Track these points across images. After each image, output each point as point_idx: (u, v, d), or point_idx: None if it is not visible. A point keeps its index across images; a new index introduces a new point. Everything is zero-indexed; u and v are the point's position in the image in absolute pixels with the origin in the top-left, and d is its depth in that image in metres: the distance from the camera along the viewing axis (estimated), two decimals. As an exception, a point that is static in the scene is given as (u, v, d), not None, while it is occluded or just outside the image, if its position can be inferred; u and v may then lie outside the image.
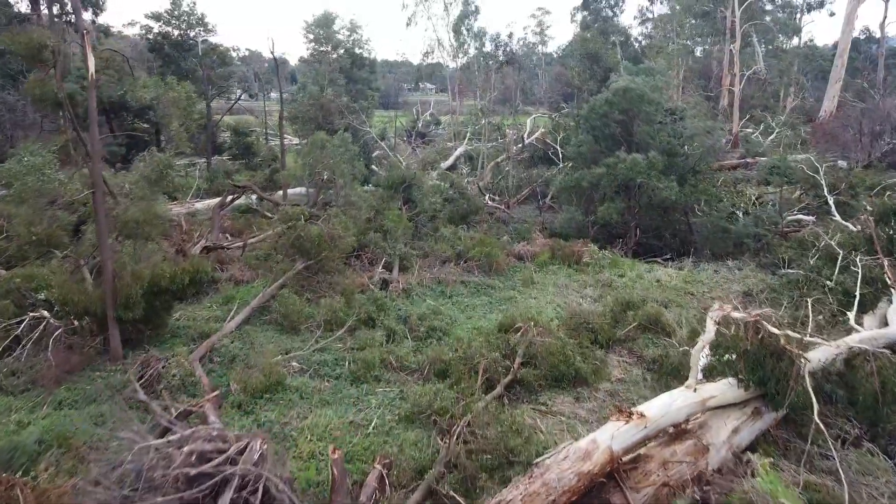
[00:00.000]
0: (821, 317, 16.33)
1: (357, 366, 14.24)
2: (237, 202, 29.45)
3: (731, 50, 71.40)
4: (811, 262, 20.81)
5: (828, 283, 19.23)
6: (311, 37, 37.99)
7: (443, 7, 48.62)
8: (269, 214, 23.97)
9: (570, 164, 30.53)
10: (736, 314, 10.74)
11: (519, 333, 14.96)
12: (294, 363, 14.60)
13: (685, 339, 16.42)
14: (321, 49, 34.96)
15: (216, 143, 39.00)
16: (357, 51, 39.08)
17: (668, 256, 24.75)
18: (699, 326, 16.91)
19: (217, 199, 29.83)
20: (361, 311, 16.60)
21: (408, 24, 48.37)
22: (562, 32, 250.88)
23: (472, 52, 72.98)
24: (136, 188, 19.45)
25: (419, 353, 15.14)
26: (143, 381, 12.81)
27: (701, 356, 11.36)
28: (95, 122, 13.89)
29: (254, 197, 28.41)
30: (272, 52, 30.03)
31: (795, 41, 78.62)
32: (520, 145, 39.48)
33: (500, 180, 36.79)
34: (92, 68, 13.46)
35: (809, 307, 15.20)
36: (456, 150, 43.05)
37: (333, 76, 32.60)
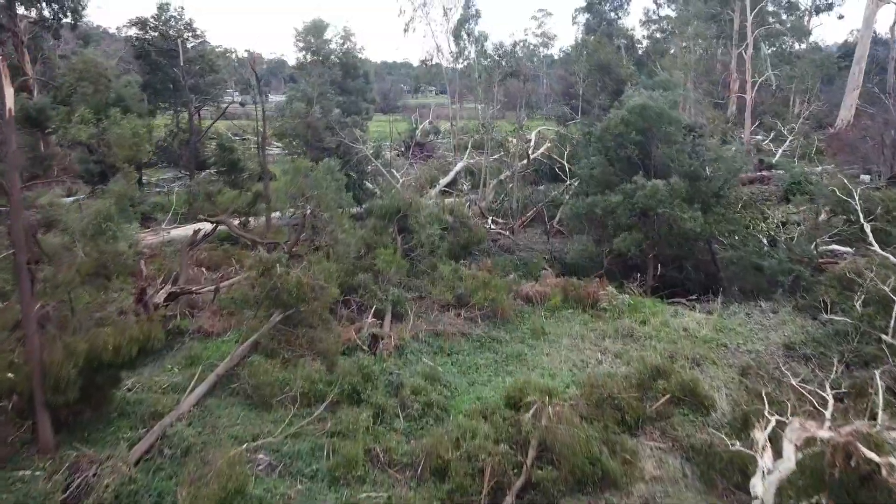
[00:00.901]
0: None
1: (337, 460, 11.72)
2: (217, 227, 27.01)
3: (742, 54, 69.00)
4: (859, 308, 18.29)
5: (883, 336, 16.76)
6: (302, 45, 35.48)
7: (442, 12, 46.06)
8: (256, 240, 21.45)
9: (581, 185, 28.01)
10: (822, 432, 8.23)
11: (531, 412, 12.48)
12: (261, 455, 12.08)
13: (726, 413, 13.94)
14: (312, 58, 32.41)
15: (200, 157, 36.49)
16: (351, 59, 36.59)
17: (693, 297, 22.20)
18: (741, 396, 14.45)
19: (192, 228, 27.39)
20: (345, 382, 14.07)
21: (405, 31, 45.80)
22: (563, 35, 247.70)
23: (472, 55, 70.60)
24: (92, 226, 17.04)
25: (412, 439, 12.64)
26: (69, 494, 10.32)
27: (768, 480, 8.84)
28: (15, 170, 11.35)
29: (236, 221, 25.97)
30: (252, 66, 27.59)
31: (801, 45, 76.29)
32: (524, 161, 36.97)
33: (504, 200, 34.30)
34: (10, 103, 10.94)
35: (878, 382, 12.64)
36: (456, 164, 40.52)
37: (323, 89, 30.09)
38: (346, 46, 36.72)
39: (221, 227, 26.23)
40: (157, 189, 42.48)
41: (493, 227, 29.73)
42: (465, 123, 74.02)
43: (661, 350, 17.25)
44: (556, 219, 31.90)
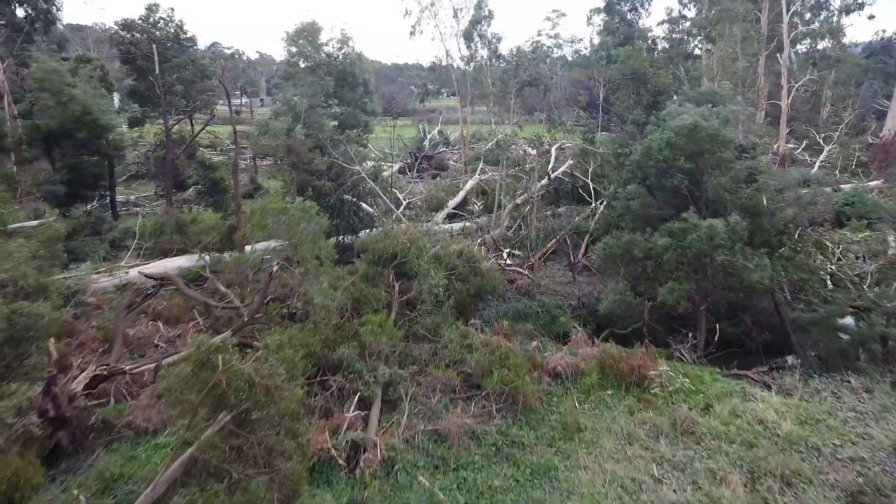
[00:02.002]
0: None
1: None
2: (189, 257, 23.08)
3: (770, 57, 64.48)
4: None
5: None
6: (295, 50, 31.43)
7: (452, 13, 41.92)
8: (209, 303, 17.34)
9: (614, 215, 23.78)
10: None
11: None
12: None
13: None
14: (304, 64, 28.27)
15: (179, 176, 32.52)
16: (349, 66, 32.51)
17: (763, 369, 17.84)
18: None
19: (159, 265, 23.54)
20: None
21: (412, 34, 41.69)
22: (578, 35, 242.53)
23: (483, 57, 66.45)
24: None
25: None
26: None
27: None
28: None
29: (207, 257, 21.92)
30: (222, 81, 23.61)
31: (828, 46, 71.66)
32: (544, 181, 32.75)
33: (521, 227, 30.10)
34: None
35: None
36: (466, 182, 36.34)
37: (314, 101, 26.00)
38: (343, 51, 32.63)
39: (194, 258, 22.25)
40: (137, 209, 38.68)
41: (508, 261, 25.51)
42: (476, 129, 69.94)
43: (736, 459, 12.98)
44: (582, 250, 27.65)
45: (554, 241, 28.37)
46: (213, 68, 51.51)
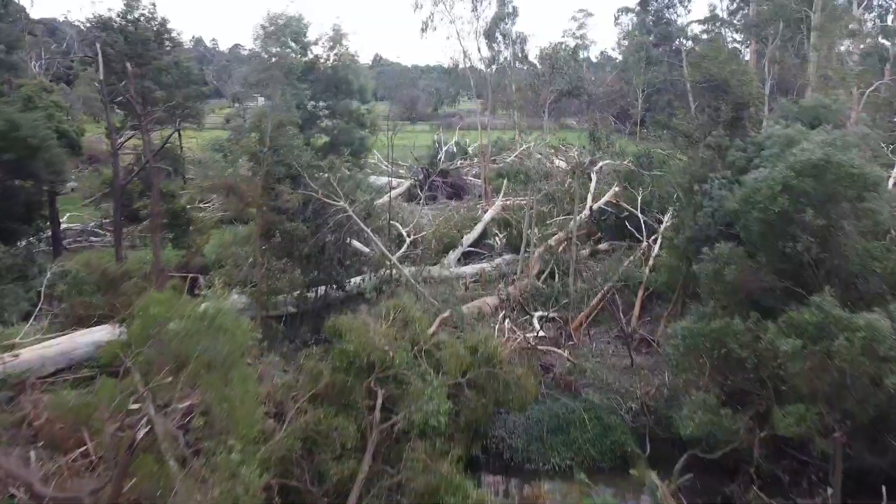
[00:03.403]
0: None
1: None
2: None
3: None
4: None
5: None
6: (275, 49, 25.14)
7: (470, 7, 35.54)
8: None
9: (698, 282, 17.25)
10: None
11: None
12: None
13: None
14: (280, 69, 21.77)
15: (131, 205, 26.37)
16: (342, 71, 26.24)
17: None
18: None
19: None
20: None
21: (423, 30, 35.58)
22: (604, 36, 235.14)
23: (507, 58, 60.02)
24: None
25: None
26: None
27: None
28: None
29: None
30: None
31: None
32: (585, 213, 26.22)
33: (556, 278, 23.61)
34: None
35: None
36: (486, 213, 29.91)
37: (286, 118, 19.65)
38: (336, 52, 26.38)
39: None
40: (95, 239, 32.76)
41: (540, 332, 19.00)
42: (498, 137, 63.23)
43: None
44: (637, 311, 21.10)
45: (599, 297, 21.81)
46: (198, 72, 45.85)
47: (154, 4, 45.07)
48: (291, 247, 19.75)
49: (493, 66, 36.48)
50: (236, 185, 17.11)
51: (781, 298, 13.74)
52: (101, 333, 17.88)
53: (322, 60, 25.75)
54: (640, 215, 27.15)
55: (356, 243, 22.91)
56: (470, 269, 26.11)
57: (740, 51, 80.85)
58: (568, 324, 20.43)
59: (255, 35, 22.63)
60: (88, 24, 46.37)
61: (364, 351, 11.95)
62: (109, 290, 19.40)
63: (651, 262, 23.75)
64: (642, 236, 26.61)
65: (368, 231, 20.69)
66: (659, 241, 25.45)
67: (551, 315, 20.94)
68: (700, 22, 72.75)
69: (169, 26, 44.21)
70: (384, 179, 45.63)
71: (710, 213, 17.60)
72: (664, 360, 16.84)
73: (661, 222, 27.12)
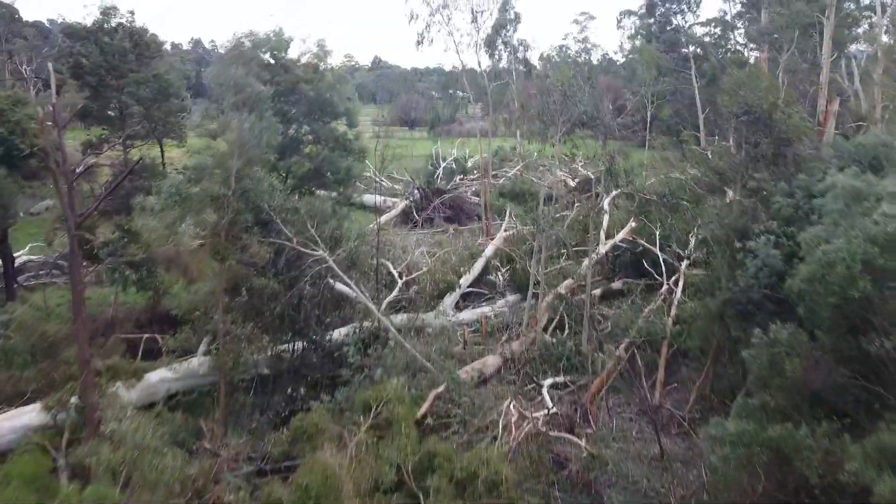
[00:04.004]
0: None
1: None
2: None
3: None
4: None
5: None
6: (242, 71, 22.21)
7: (470, 17, 32.76)
8: None
9: (745, 367, 14.47)
10: None
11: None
12: None
13: None
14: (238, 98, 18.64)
15: (90, 243, 23.44)
16: (325, 91, 23.45)
17: None
18: None
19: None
20: None
21: (419, 43, 32.87)
22: (607, 40, 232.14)
23: (509, 68, 57.24)
24: None
25: None
26: None
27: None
28: None
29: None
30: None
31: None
32: (599, 252, 23.41)
33: (567, 330, 20.83)
34: None
35: None
36: (487, 249, 27.11)
37: (253, 154, 16.74)
38: (322, 68, 23.60)
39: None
40: (59, 274, 29.79)
41: (551, 408, 16.19)
42: (499, 146, 60.33)
43: None
44: (661, 376, 18.31)
45: (617, 358, 19.00)
46: (180, 84, 43.06)
47: (133, 13, 42.35)
48: (261, 305, 16.96)
49: (493, 82, 33.61)
50: (179, 256, 14.30)
51: (860, 401, 10.99)
52: (32, 416, 15.13)
53: (304, 82, 22.81)
54: (658, 252, 24.39)
55: (340, 285, 20.10)
56: (469, 314, 23.33)
57: (743, 54, 78.19)
58: (582, 392, 17.64)
59: (228, 49, 19.80)
60: (61, 34, 43.68)
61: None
62: (48, 357, 16.60)
63: (674, 310, 20.97)
64: (661, 275, 23.86)
65: (352, 284, 17.85)
66: (681, 282, 22.74)
67: (565, 382, 18.14)
68: (703, 24, 70.03)
69: (150, 35, 41.66)
70: (378, 198, 42.96)
71: (754, 272, 14.85)
72: (700, 454, 14.08)
73: (681, 258, 24.44)
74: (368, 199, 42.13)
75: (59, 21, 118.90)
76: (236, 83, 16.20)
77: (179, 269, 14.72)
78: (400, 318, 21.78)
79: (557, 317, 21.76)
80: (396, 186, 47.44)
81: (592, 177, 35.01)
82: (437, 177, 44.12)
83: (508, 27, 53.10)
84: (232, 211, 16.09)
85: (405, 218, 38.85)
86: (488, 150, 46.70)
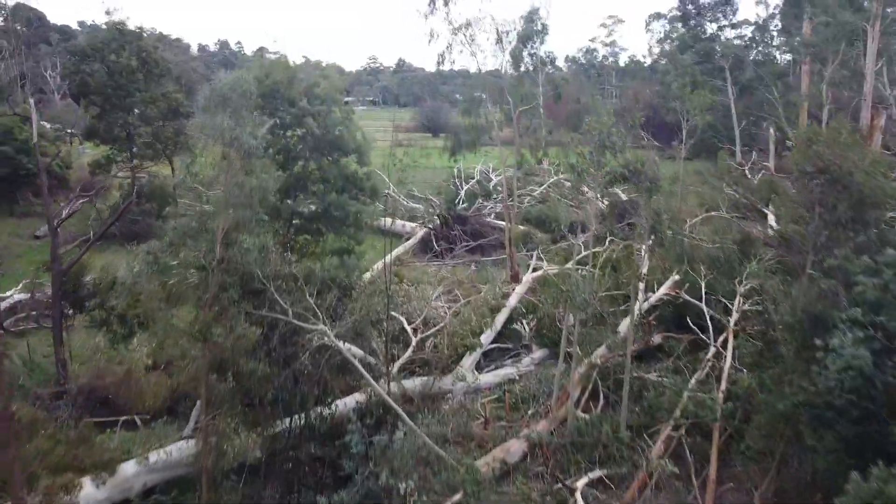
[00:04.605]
0: None
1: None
2: None
3: None
4: None
5: None
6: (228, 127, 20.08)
7: (495, 38, 30.34)
8: None
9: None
10: None
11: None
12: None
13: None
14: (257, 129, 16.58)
15: (77, 290, 21.44)
16: (330, 128, 21.24)
17: None
18: None
19: None
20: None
21: (439, 64, 30.47)
22: (635, 41, 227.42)
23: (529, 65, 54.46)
24: None
25: None
26: None
27: None
28: None
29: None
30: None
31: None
32: (639, 311, 20.78)
33: (603, 413, 18.32)
34: None
35: None
36: (510, 298, 24.67)
37: (243, 216, 14.53)
38: (321, 101, 21.38)
39: None
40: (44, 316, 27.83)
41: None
42: (524, 161, 57.61)
43: None
44: (713, 469, 15.72)
45: (660, 444, 16.48)
46: (188, 104, 41.27)
47: (141, 28, 40.61)
48: (251, 389, 14.74)
49: (518, 98, 31.18)
50: (131, 380, 12.03)
51: None
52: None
53: (310, 116, 20.63)
54: (703, 307, 21.79)
55: (351, 355, 17.80)
56: (492, 377, 20.97)
57: (776, 58, 74.63)
58: (621, 489, 15.17)
59: (221, 88, 17.51)
60: (67, 53, 42.14)
61: None
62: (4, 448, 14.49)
63: (724, 383, 18.40)
64: (707, 332, 21.25)
65: (356, 362, 15.55)
66: (730, 344, 20.20)
67: (598, 475, 15.68)
68: (733, 25, 66.62)
69: (156, 52, 39.81)
70: (397, 224, 40.69)
71: (836, 374, 12.26)
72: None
73: (728, 310, 21.87)
74: (384, 223, 40.00)
75: (90, 23, 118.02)
76: (225, 134, 13.97)
77: (131, 395, 12.48)
78: (414, 383, 19.51)
79: (591, 386, 19.29)
80: (417, 205, 45.21)
81: (624, 197, 32.62)
82: (459, 200, 41.75)
83: (535, 38, 50.55)
84: (216, 284, 13.92)
85: (424, 246, 36.59)
86: (511, 164, 44.14)
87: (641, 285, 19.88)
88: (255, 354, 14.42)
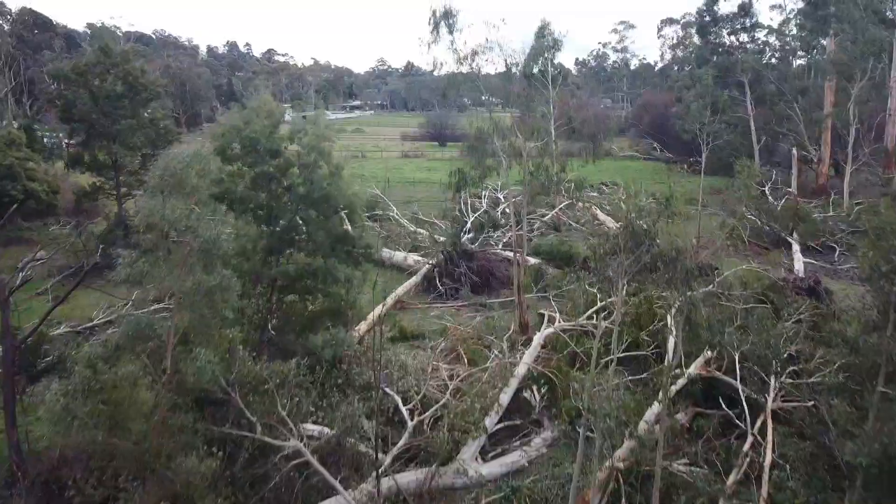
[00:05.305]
0: None
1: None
2: None
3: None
4: None
5: None
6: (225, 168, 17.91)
7: (503, 68, 27.75)
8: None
9: None
10: None
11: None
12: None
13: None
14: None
15: (34, 366, 19.16)
16: (322, 189, 18.87)
17: None
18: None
19: None
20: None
21: (444, 96, 28.04)
22: (646, 45, 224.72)
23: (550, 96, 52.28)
24: None
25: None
26: None
27: None
28: None
29: None
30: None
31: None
32: (677, 386, 18.27)
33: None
34: None
35: None
36: (518, 368, 22.20)
37: (202, 310, 12.19)
38: (317, 151, 18.99)
39: None
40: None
41: None
42: (531, 176, 55.02)
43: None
44: None
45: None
46: (176, 130, 39.08)
47: (128, 51, 38.40)
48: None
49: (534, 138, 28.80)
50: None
51: None
52: None
53: (296, 168, 18.32)
54: (737, 384, 19.30)
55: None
56: (497, 466, 18.48)
57: (791, 62, 71.57)
58: None
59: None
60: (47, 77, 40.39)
61: None
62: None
63: (765, 486, 15.94)
64: (741, 414, 18.77)
65: (339, 488, 13.15)
66: (769, 432, 17.76)
67: None
68: (745, 30, 63.54)
69: (144, 74, 37.57)
70: (399, 255, 38.33)
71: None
72: None
73: (764, 385, 19.45)
74: (387, 253, 37.67)
75: (99, 24, 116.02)
76: (178, 225, 11.61)
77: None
78: (408, 478, 17.08)
79: (612, 484, 16.82)
80: (421, 230, 42.84)
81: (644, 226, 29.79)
82: (466, 231, 39.35)
83: (547, 53, 48.25)
84: (167, 402, 11.58)
85: (427, 285, 34.18)
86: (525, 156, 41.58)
87: (673, 389, 17.40)
88: (214, 487, 12.04)
